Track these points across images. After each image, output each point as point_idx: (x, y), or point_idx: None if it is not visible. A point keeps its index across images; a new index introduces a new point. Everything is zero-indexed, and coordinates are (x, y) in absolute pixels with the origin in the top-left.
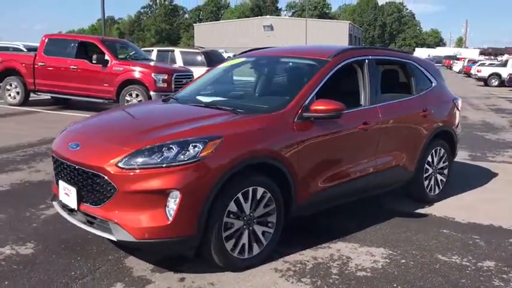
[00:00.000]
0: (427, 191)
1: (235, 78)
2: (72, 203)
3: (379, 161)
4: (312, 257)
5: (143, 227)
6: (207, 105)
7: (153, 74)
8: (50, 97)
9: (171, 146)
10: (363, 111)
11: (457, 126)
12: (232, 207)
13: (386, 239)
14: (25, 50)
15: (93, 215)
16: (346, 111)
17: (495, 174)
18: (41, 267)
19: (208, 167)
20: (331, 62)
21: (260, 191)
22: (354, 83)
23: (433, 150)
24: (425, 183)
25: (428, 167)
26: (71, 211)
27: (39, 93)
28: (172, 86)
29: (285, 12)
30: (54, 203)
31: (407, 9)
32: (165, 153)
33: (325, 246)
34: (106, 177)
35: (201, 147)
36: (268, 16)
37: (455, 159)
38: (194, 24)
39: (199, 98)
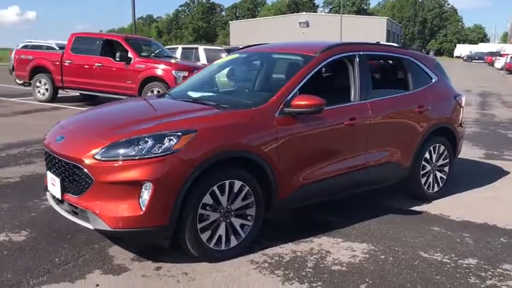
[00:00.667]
0: (425, 188)
1: (222, 76)
2: (57, 192)
3: (370, 157)
4: (291, 250)
5: (118, 217)
6: (195, 100)
7: (173, 71)
8: (79, 94)
9: (146, 139)
10: (351, 106)
11: (460, 123)
12: (208, 199)
13: (372, 235)
14: (57, 48)
15: (74, 204)
16: (333, 106)
17: (506, 173)
18: (29, 253)
19: (181, 160)
20: (317, 57)
21: (237, 184)
22: (344, 78)
23: (431, 147)
24: (423, 180)
25: (426, 164)
26: (59, 201)
27: (67, 90)
28: None
29: (321, 8)
30: (47, 194)
31: (448, 4)
32: (140, 146)
33: (308, 240)
34: (84, 169)
35: (175, 141)
36: (304, 13)
37: (467, 157)
38: (230, 22)
39: (190, 93)
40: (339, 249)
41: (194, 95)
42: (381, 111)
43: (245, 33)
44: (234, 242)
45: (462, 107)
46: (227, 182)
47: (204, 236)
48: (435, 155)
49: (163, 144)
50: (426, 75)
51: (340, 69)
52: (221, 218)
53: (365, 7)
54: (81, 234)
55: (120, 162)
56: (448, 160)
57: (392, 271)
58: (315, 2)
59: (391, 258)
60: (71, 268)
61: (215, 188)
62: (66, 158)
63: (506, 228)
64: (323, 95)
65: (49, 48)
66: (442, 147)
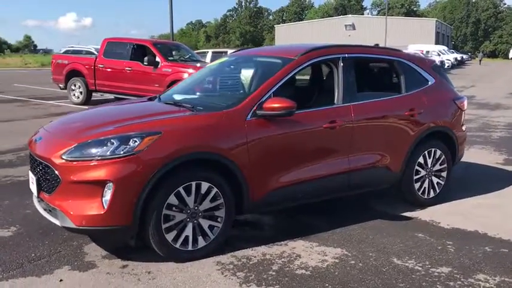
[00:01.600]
0: (419, 193)
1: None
2: (34, 190)
3: (354, 161)
4: (262, 252)
5: (82, 215)
6: (175, 102)
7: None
8: (113, 97)
9: (112, 140)
10: (332, 109)
11: (459, 127)
12: (173, 200)
13: (350, 240)
14: (96, 53)
15: (46, 202)
16: (311, 109)
17: None
18: (9, 248)
19: (142, 161)
20: (296, 60)
21: (205, 185)
22: (327, 81)
23: (426, 152)
24: (416, 185)
25: (419, 168)
26: (40, 200)
27: (101, 94)
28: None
29: (368, 11)
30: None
31: (505, 3)
32: (105, 147)
33: (283, 243)
34: (53, 168)
35: (138, 142)
36: (349, 15)
37: (484, 162)
38: (275, 26)
39: (175, 96)
40: (311, 253)
41: (177, 97)
42: (366, 115)
43: (290, 36)
44: (202, 243)
45: (463, 110)
46: (193, 184)
47: (169, 236)
48: (431, 160)
49: (128, 145)
50: (421, 77)
51: (324, 72)
52: (188, 219)
53: (414, 8)
54: (64, 231)
55: (85, 163)
56: (445, 165)
57: (357, 277)
58: (363, 4)
59: (360, 264)
60: (43, 263)
61: (180, 189)
62: (40, 158)
63: (496, 237)
64: (304, 97)
65: (88, 53)
66: (439, 152)
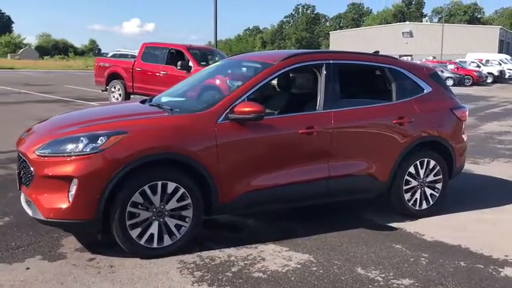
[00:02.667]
0: (409, 204)
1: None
2: (17, 183)
3: (334, 167)
4: (228, 254)
5: (49, 208)
6: (158, 104)
7: (228, 81)
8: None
9: (82, 138)
10: (309, 115)
11: (458, 137)
12: (138, 198)
13: (322, 247)
14: None
15: (24, 194)
16: (288, 114)
17: None
18: None
19: (106, 159)
20: (275, 65)
21: (171, 185)
22: (310, 87)
23: (418, 162)
24: (407, 196)
25: (410, 178)
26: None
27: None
28: None
29: (427, 18)
30: None
31: None
32: (75, 144)
33: (253, 246)
34: (28, 162)
35: (104, 141)
36: (407, 22)
37: (501, 176)
38: (330, 32)
39: (163, 98)
40: (277, 257)
41: (164, 99)
42: (348, 122)
43: (345, 43)
44: (168, 241)
45: (462, 120)
46: (159, 183)
47: (134, 233)
48: (423, 170)
49: (96, 143)
50: (416, 85)
51: (307, 78)
52: (154, 217)
53: (478, 16)
54: None
55: (54, 158)
56: (440, 176)
57: (311, 283)
58: (423, 11)
59: (321, 271)
60: (19, 252)
61: (146, 187)
62: (20, 153)
63: (477, 252)
64: (287, 103)
65: (134, 57)
66: (433, 163)
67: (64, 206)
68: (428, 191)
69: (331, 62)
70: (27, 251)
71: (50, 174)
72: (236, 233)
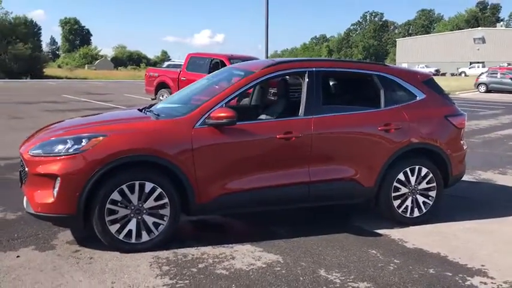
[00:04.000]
0: (399, 211)
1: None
2: (19, 181)
3: (315, 172)
4: (202, 252)
5: (38, 203)
6: (149, 110)
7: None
8: None
9: (68, 140)
10: (288, 121)
11: (454, 145)
12: (116, 196)
13: (296, 249)
14: None
15: (22, 191)
16: (265, 120)
17: None
18: (2, 228)
19: (86, 159)
20: (255, 74)
21: (149, 185)
22: (294, 94)
23: (408, 169)
24: (396, 203)
25: (399, 185)
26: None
27: None
28: None
29: (502, 23)
30: None
31: None
32: (61, 146)
33: (230, 245)
34: (24, 162)
35: (85, 143)
36: (479, 28)
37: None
38: (397, 40)
39: (159, 105)
40: (247, 257)
41: (160, 106)
42: (329, 128)
43: (413, 50)
44: (145, 237)
45: (459, 128)
46: (137, 183)
47: (113, 228)
48: (414, 178)
49: (78, 145)
50: (407, 92)
51: (293, 85)
52: (132, 214)
53: None
54: None
55: (43, 158)
56: (434, 184)
57: (267, 282)
58: (499, 16)
59: (283, 271)
60: (17, 243)
61: (124, 186)
62: (20, 154)
63: (453, 261)
64: (270, 109)
65: None
66: (425, 170)
67: (50, 201)
68: (421, 199)
69: (314, 69)
70: (24, 242)
71: (40, 172)
72: (219, 233)
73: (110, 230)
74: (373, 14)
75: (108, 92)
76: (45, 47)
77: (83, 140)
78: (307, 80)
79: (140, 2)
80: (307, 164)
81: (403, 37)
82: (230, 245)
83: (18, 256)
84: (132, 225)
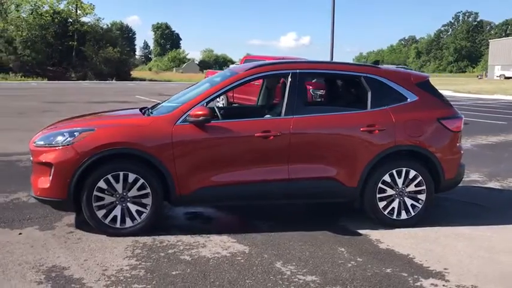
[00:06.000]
0: (384, 213)
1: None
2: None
3: (294, 170)
4: (178, 240)
5: (38, 187)
6: (148, 108)
7: (311, 90)
8: None
9: (64, 133)
10: (267, 120)
11: (446, 148)
12: (102, 184)
13: (266, 243)
14: None
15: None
16: (245, 119)
17: None
18: (19, 210)
19: (75, 150)
20: (238, 75)
21: (132, 176)
22: (278, 94)
23: (394, 171)
24: (381, 204)
25: (385, 187)
26: None
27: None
28: None
29: None
30: None
31: None
32: (57, 138)
33: (207, 236)
34: (30, 152)
35: (77, 135)
36: None
37: None
38: (489, 40)
39: (163, 103)
40: (217, 246)
41: (163, 104)
42: (309, 128)
43: (506, 52)
44: (129, 223)
45: (453, 131)
46: (121, 173)
47: (100, 213)
48: (401, 180)
49: (72, 137)
50: (397, 94)
51: (274, 86)
52: (117, 202)
53: None
54: None
55: (43, 148)
56: (423, 187)
57: (221, 269)
58: None
59: (242, 261)
60: (26, 222)
61: (109, 176)
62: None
63: (417, 263)
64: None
65: None
66: (413, 173)
67: (46, 186)
68: (409, 202)
69: (297, 71)
70: (32, 222)
71: (41, 160)
72: (205, 224)
73: (96, 215)
74: (467, 13)
75: None
76: (138, 51)
77: (75, 134)
78: (290, 81)
79: (228, 6)
80: (286, 162)
81: (499, 38)
82: (207, 235)
83: (20, 233)
84: (117, 211)
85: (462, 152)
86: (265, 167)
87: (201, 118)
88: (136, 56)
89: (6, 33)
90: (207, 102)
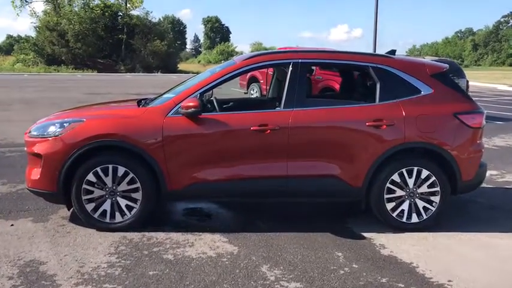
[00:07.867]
0: (393, 215)
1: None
2: None
3: (293, 167)
4: (167, 237)
5: (30, 178)
6: (145, 99)
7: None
8: None
9: (56, 124)
10: (263, 113)
11: (464, 146)
12: (91, 177)
13: (259, 244)
14: None
15: None
16: (241, 111)
17: None
18: (18, 200)
19: (64, 142)
20: (234, 65)
21: (121, 169)
22: (279, 86)
23: (404, 170)
24: (389, 205)
25: (394, 187)
26: None
27: None
28: None
29: None
30: None
31: None
32: (48, 129)
33: (199, 233)
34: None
35: (66, 127)
36: None
37: None
38: None
39: (164, 94)
40: (205, 246)
41: (163, 95)
42: (309, 122)
43: None
44: (119, 218)
45: (472, 127)
46: (110, 166)
47: (89, 207)
48: (412, 180)
49: (61, 128)
50: (409, 86)
51: (275, 76)
52: (106, 196)
53: None
54: None
55: (35, 139)
56: (437, 189)
57: (202, 271)
58: None
59: (227, 262)
60: (22, 214)
61: (98, 169)
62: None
63: (419, 273)
64: (257, 100)
65: None
66: (426, 172)
67: (37, 177)
68: (421, 203)
69: (299, 61)
70: (28, 214)
71: (33, 151)
72: (200, 221)
73: (86, 209)
74: None
75: None
76: (189, 44)
77: (65, 124)
78: (290, 71)
79: None
80: (284, 158)
81: None
82: (200, 234)
83: (12, 225)
84: (106, 205)
85: (483, 150)
86: (262, 162)
87: (190, 110)
88: (187, 49)
89: (59, 26)
90: (201, 94)
